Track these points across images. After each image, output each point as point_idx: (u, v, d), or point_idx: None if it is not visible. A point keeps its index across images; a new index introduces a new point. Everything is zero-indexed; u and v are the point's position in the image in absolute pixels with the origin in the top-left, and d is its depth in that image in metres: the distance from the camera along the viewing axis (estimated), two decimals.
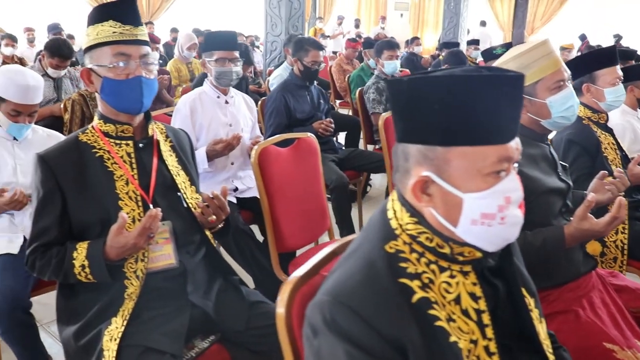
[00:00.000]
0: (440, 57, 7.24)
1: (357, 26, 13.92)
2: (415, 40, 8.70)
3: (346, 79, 5.79)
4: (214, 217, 1.73)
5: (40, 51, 6.01)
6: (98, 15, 1.59)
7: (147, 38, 1.66)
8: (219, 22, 11.62)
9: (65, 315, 1.68)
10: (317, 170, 2.65)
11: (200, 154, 2.66)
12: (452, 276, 1.04)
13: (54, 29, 6.18)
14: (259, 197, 2.89)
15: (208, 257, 1.79)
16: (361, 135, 5.06)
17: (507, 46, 4.12)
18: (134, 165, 1.66)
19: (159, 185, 1.69)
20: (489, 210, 0.99)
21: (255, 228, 2.86)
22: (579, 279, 1.76)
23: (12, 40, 6.75)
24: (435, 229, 1.03)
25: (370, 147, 4.63)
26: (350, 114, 5.84)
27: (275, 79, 4.91)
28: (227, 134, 2.85)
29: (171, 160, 1.76)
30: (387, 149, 3.22)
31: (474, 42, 8.00)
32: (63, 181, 1.58)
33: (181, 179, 1.76)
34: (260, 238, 2.76)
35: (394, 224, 1.07)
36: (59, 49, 3.96)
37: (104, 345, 1.54)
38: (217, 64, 2.82)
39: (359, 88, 4.59)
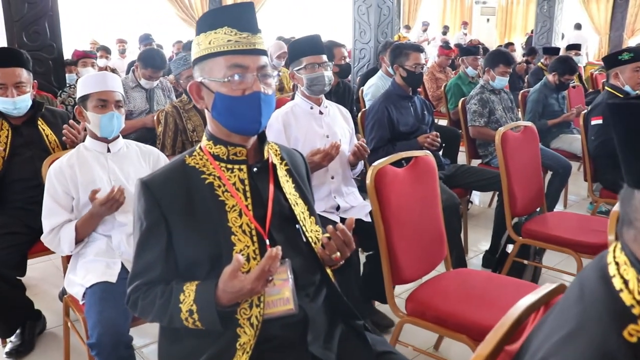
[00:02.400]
0: (540, 64, 6.75)
1: (444, 33, 13.46)
2: (509, 46, 8.22)
3: (442, 88, 5.45)
4: (339, 254, 1.47)
5: (133, 62, 6.07)
6: (211, 22, 1.38)
7: (265, 47, 1.43)
8: (302, 29, 11.50)
9: None
10: (435, 192, 2.36)
11: None
12: None
13: (145, 39, 6.19)
14: (364, 218, 2.67)
15: (328, 300, 1.54)
16: (460, 149, 4.75)
17: (635, 51, 3.66)
18: (248, 194, 1.44)
19: (276, 217, 1.46)
20: None
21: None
22: None
23: (105, 52, 6.86)
24: None
25: (471, 162, 4.29)
26: (446, 125, 5.48)
27: (370, 89, 4.66)
28: (324, 146, 2.62)
29: (288, 187, 1.52)
30: (504, 167, 2.89)
31: (575, 47, 7.43)
32: (169, 211, 1.37)
33: (300, 208, 1.52)
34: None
35: (627, 298, 0.76)
36: (152, 60, 3.88)
37: None
38: (307, 70, 2.60)
39: (462, 98, 4.25)
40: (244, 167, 1.45)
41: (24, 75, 2.66)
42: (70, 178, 2.14)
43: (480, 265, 3.56)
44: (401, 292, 2.85)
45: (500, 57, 4.11)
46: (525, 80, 6.74)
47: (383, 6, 6.92)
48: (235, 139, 1.43)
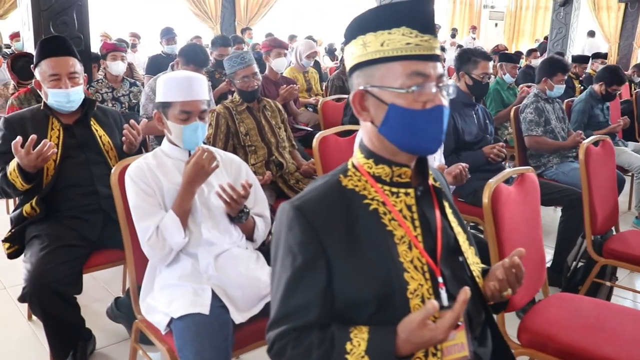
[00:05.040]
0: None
1: (453, 36, 13.32)
2: (532, 52, 8.06)
3: None
4: (510, 291, 1.28)
5: (163, 56, 5.77)
6: (384, 19, 1.15)
7: (440, 52, 1.22)
8: (318, 29, 11.29)
9: None
10: (537, 212, 2.18)
11: None
12: None
13: (167, 34, 5.89)
14: None
15: (493, 341, 1.34)
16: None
17: None
18: (417, 223, 1.23)
19: (444, 249, 1.25)
20: None
21: None
22: None
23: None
24: None
25: None
26: None
27: None
28: None
29: (449, 213, 1.32)
30: (586, 183, 2.70)
31: (601, 56, 7.30)
32: (329, 243, 1.15)
33: (462, 238, 1.32)
34: None
35: None
36: (195, 56, 3.63)
37: None
38: None
39: (515, 107, 4.07)
40: (410, 191, 1.24)
41: (77, 65, 2.44)
42: (154, 181, 1.91)
43: None
44: None
45: (558, 66, 3.94)
46: None
47: None
48: (402, 158, 1.22)
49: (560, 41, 10.22)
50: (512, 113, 4.04)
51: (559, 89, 3.93)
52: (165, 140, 2.05)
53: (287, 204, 1.19)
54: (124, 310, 2.52)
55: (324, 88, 5.63)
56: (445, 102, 1.18)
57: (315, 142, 2.53)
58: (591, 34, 12.12)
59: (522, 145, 3.98)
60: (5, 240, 2.35)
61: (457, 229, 1.32)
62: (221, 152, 2.13)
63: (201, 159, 1.87)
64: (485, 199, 1.88)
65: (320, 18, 12.99)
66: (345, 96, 4.29)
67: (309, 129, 4.52)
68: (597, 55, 7.24)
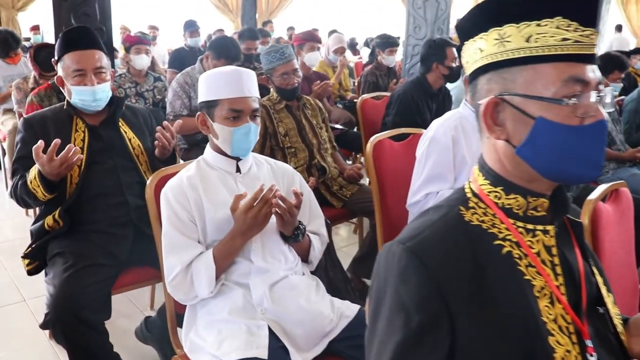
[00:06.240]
0: None
1: None
2: None
3: None
4: None
5: (202, 50, 5.50)
6: (533, 6, 0.88)
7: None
8: (339, 21, 10.99)
9: None
10: (631, 232, 1.90)
11: None
12: None
13: (191, 26, 5.60)
14: None
15: None
16: None
17: None
18: (558, 270, 0.96)
19: (588, 302, 0.98)
20: None
21: None
22: None
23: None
24: None
25: None
26: None
27: (452, 92, 4.18)
28: None
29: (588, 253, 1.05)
30: None
31: (638, 52, 6.96)
32: (454, 300, 0.88)
33: (600, 282, 1.05)
34: None
35: None
36: (227, 50, 3.37)
37: None
38: None
39: None
40: (550, 228, 0.96)
41: (104, 59, 2.20)
42: (195, 203, 1.65)
43: None
44: None
45: (616, 62, 3.66)
46: None
47: (441, 0, 6.45)
48: (539, 187, 0.94)
49: None
50: None
51: (616, 87, 3.65)
52: (208, 148, 1.79)
53: (398, 246, 0.92)
54: (155, 331, 2.28)
55: (356, 84, 5.37)
56: (607, 116, 0.91)
57: (369, 147, 2.25)
58: (619, 28, 11.69)
59: None
60: (25, 257, 2.11)
61: (595, 272, 1.05)
62: (272, 161, 1.87)
63: (250, 208, 1.57)
64: (586, 220, 1.61)
65: (342, 11, 12.69)
66: (385, 94, 4.02)
67: (342, 127, 4.27)
68: (637, 51, 6.90)
